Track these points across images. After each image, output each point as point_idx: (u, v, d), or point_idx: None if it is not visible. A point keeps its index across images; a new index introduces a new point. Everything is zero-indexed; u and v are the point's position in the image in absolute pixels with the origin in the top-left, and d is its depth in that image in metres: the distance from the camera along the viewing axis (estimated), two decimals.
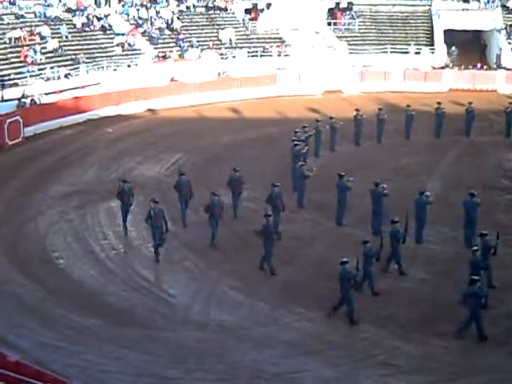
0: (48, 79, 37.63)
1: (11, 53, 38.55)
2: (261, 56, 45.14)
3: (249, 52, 45.20)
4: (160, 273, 20.80)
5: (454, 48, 47.10)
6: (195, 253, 21.93)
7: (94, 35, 42.89)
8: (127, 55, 42.28)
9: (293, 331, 17.53)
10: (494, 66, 46.42)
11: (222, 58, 44.21)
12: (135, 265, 21.17)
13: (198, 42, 44.83)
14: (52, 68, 38.20)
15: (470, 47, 48.56)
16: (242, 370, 15.71)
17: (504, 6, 49.35)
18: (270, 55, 45.39)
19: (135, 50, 42.96)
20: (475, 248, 18.81)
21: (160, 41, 44.34)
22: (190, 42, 44.71)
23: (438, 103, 34.48)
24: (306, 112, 38.20)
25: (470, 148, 32.94)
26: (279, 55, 45.54)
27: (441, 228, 23.32)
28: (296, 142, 27.50)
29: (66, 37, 41.37)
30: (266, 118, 37.59)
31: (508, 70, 45.24)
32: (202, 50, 44.12)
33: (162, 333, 17.36)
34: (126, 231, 23.22)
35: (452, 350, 16.78)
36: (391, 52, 46.76)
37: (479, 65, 46.44)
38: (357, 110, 33.06)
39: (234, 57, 44.70)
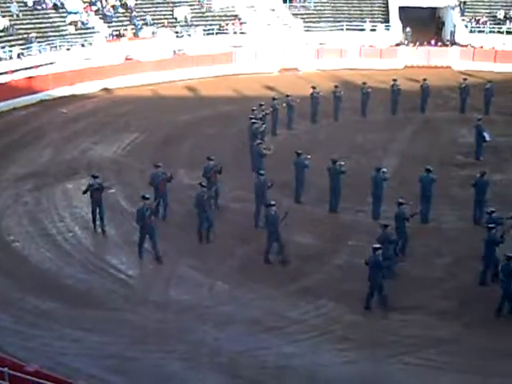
0: (0, 59, 36.90)
1: None
2: (217, 34, 44.89)
3: (204, 30, 44.90)
4: (118, 254, 20.62)
5: (408, 29, 47.26)
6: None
7: (46, 13, 42.07)
8: (81, 34, 41.61)
9: (253, 309, 17.58)
10: (448, 43, 46.82)
11: (178, 37, 43.87)
12: (92, 247, 21.00)
13: (152, 20, 44.35)
14: (3, 48, 37.46)
15: (426, 24, 48.90)
16: (204, 349, 15.72)
17: None
18: (226, 33, 45.15)
19: (89, 28, 42.33)
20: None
21: (114, 19, 43.71)
22: (144, 20, 44.20)
23: (394, 80, 34.66)
24: (262, 90, 38.16)
25: (425, 124, 33.23)
26: (235, 33, 45.33)
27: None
28: (253, 121, 27.44)
29: (17, 15, 40.49)
30: (223, 96, 37.43)
31: (462, 46, 45.67)
32: (156, 28, 43.70)
33: (121, 314, 17.26)
34: (104, 230, 21.97)
35: (410, 324, 17.00)
36: (347, 29, 46.86)
37: (434, 41, 46.79)
38: (313, 87, 33.08)
39: (189, 35, 44.37)
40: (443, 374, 15.04)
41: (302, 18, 47.13)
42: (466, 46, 45.63)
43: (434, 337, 16.36)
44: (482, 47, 44.94)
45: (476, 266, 18.87)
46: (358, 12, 49.01)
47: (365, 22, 47.39)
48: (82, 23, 42.23)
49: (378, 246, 17.38)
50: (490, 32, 45.96)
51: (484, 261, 18.49)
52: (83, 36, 41.42)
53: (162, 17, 45.15)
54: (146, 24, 43.87)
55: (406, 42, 46.76)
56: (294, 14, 47.52)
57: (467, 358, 15.50)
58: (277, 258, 19.75)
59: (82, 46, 40.70)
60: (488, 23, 46.72)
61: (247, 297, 18.13)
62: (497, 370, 14.93)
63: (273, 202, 19.79)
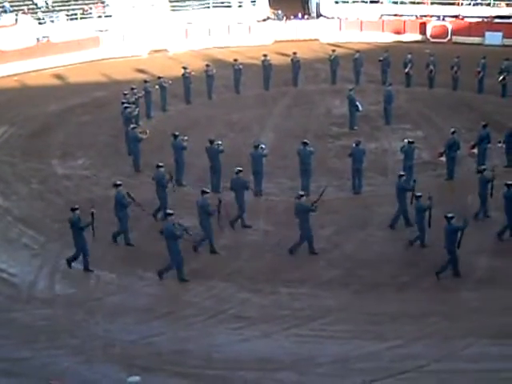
0: None
1: None
2: (81, 18, 43.73)
3: (67, 15, 43.63)
4: None
5: (280, 12, 47.39)
6: (32, 228, 21.20)
7: None
8: None
9: (143, 296, 17.40)
10: (314, 16, 47.45)
11: (40, 23, 42.44)
12: None
13: (11, 6, 42.64)
14: None
15: None
16: (96, 342, 15.41)
17: None
18: (91, 17, 44.07)
19: None
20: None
21: None
22: (2, 7, 42.45)
23: (264, 55, 34.83)
24: (133, 73, 37.55)
25: (298, 98, 33.65)
26: (100, 17, 44.31)
27: (278, 179, 23.77)
28: (126, 105, 26.98)
29: None
30: (93, 82, 36.60)
31: (328, 18, 46.42)
32: (16, 15, 42.09)
33: (7, 314, 16.66)
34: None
35: (299, 296, 17.28)
36: (214, 7, 46.67)
37: (301, 15, 47.33)
38: (184, 67, 32.83)
39: (52, 21, 43.02)
40: (336, 343, 15.35)
41: None
42: (332, 17, 46.38)
43: (323, 307, 16.68)
44: (347, 18, 45.79)
45: (358, 235, 19.32)
46: None
47: None
48: None
49: (450, 215, 17.31)
50: (354, 2, 46.85)
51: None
52: None
53: (22, 3, 43.46)
54: (5, 11, 42.16)
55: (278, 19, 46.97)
56: None
57: (357, 324, 15.89)
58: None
59: None
60: None
61: (136, 285, 17.91)
62: (387, 334, 15.36)
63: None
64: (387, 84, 30.42)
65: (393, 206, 21.00)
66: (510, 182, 18.86)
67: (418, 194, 18.81)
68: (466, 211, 19.46)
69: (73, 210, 18.41)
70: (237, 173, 20.48)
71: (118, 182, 20.11)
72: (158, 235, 19.39)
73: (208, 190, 19.69)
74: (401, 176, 20.22)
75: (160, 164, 21.16)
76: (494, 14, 43.56)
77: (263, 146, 22.77)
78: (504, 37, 41.84)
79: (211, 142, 22.88)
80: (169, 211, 18.04)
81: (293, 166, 22.87)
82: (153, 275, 18.18)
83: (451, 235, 17.27)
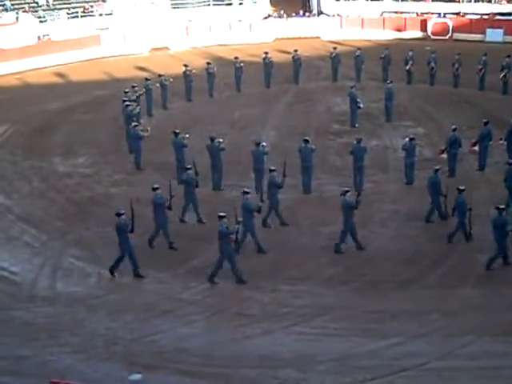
0: None
1: None
2: (81, 17, 43.73)
3: (68, 13, 43.63)
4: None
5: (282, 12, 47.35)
6: (33, 226, 21.18)
7: None
8: None
9: (145, 294, 17.38)
10: (315, 13, 47.44)
11: (41, 21, 42.45)
12: None
13: (12, 5, 42.67)
14: None
15: None
16: (98, 339, 15.38)
17: None
18: (92, 15, 44.07)
19: None
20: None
21: None
22: (3, 5, 42.48)
23: (266, 53, 34.85)
24: (134, 71, 37.61)
25: (299, 95, 33.64)
26: (101, 15, 44.31)
27: (279, 177, 23.64)
28: (127, 103, 26.98)
29: None
30: (94, 81, 36.64)
31: (329, 16, 46.42)
32: (17, 13, 42.08)
33: (8, 312, 16.63)
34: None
35: (300, 294, 17.23)
36: (214, 4, 46.66)
37: (302, 12, 47.31)
38: (185, 65, 32.84)
39: (53, 19, 43.01)
40: (337, 340, 15.32)
41: None
42: (333, 15, 46.38)
43: (324, 304, 16.65)
44: (348, 16, 45.78)
45: (359, 232, 19.31)
46: None
47: None
48: None
49: (501, 206, 17.47)
50: None
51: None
52: None
53: (23, 1, 43.51)
54: (6, 10, 42.20)
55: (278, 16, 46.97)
56: None
57: (358, 322, 15.85)
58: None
59: None
60: None
61: (138, 283, 17.87)
62: (388, 332, 15.34)
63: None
64: (388, 81, 30.39)
65: (394, 202, 21.08)
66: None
67: (462, 187, 18.84)
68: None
69: (118, 214, 17.71)
70: (270, 171, 20.23)
71: (156, 186, 19.38)
72: (160, 234, 19.44)
73: (249, 191, 19.21)
74: (437, 170, 20.21)
75: (188, 166, 20.74)
76: (495, 11, 43.51)
77: (264, 144, 22.76)
78: (505, 34, 41.77)
79: (212, 139, 22.87)
80: (221, 214, 17.39)
81: (294, 164, 22.84)
82: (154, 272, 18.20)
83: (500, 227, 17.34)
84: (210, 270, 17.66)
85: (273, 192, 20.22)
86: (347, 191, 18.72)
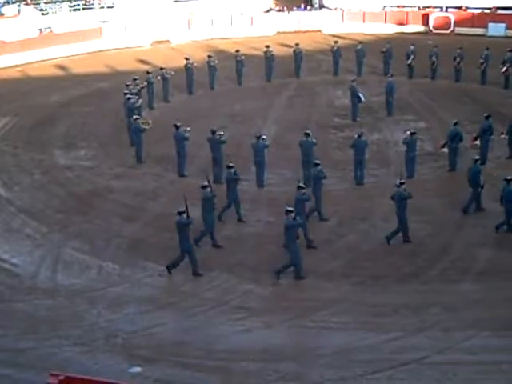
0: None
1: None
2: (83, 9, 43.68)
3: (70, 6, 43.59)
4: (0, 243, 19.90)
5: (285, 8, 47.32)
6: (34, 218, 21.21)
7: None
8: None
9: (145, 287, 17.38)
10: (317, 7, 47.38)
11: (43, 14, 42.42)
12: None
13: None
14: None
15: None
16: (98, 332, 15.42)
17: None
18: (93, 8, 44.01)
19: None
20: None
21: None
22: None
23: (267, 46, 34.82)
24: (135, 64, 37.61)
25: (301, 89, 33.61)
26: (102, 7, 44.28)
27: (280, 170, 23.74)
28: (129, 96, 26.96)
29: None
30: (95, 73, 36.60)
31: (330, 9, 46.35)
32: (19, 6, 42.04)
33: (9, 304, 16.68)
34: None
35: (300, 287, 17.27)
36: None
37: (303, 6, 47.23)
38: (186, 58, 32.81)
39: (54, 12, 42.96)
40: (337, 334, 15.33)
41: None
42: (334, 8, 46.31)
43: (325, 298, 16.66)
44: (349, 9, 45.72)
45: (360, 226, 19.30)
46: None
47: None
48: None
49: None
50: None
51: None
52: None
53: None
54: (8, 2, 42.16)
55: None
56: None
57: (359, 316, 15.85)
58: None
59: None
60: None
61: (138, 275, 17.88)
62: (388, 326, 15.34)
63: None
64: (389, 75, 30.36)
65: None
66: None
67: (510, 177, 18.83)
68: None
69: (180, 213, 17.26)
70: (315, 165, 20.11)
71: (206, 183, 18.93)
72: (161, 226, 19.48)
73: (303, 185, 18.96)
74: (476, 161, 20.20)
75: (230, 164, 20.42)
76: (497, 5, 43.40)
77: (265, 137, 22.75)
78: (507, 28, 41.69)
79: (213, 132, 22.87)
80: (289, 208, 17.21)
81: (295, 158, 22.83)
82: (155, 265, 18.22)
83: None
84: (279, 267, 17.49)
85: (318, 185, 20.12)
86: (402, 183, 18.65)
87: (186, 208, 17.19)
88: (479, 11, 43.58)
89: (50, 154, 26.08)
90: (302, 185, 18.80)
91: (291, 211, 17.09)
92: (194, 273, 17.67)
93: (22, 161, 25.54)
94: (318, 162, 20.27)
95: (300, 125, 26.64)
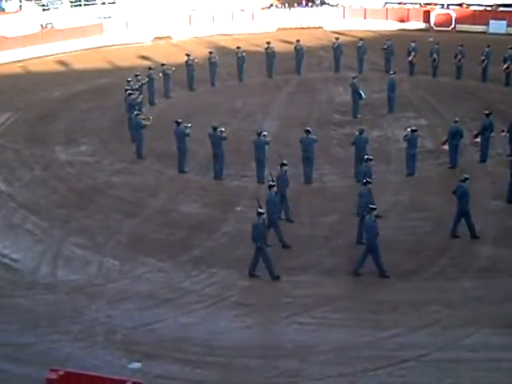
0: None
1: None
2: (84, 5, 43.67)
3: (71, 2, 43.57)
4: (1, 239, 19.88)
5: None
6: (35, 214, 21.18)
7: None
8: None
9: (145, 283, 17.36)
10: (318, 3, 47.35)
11: (44, 10, 42.41)
12: None
13: None
14: None
15: None
16: (98, 328, 15.42)
17: None
18: (95, 4, 44.00)
19: None
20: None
21: None
22: None
23: (268, 43, 34.84)
24: (136, 60, 37.62)
25: (301, 85, 33.59)
26: (104, 3, 44.27)
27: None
28: (130, 92, 26.97)
29: None
30: (97, 69, 36.62)
31: (331, 6, 46.33)
32: (20, 1, 42.03)
33: (9, 300, 16.67)
34: None
35: (301, 284, 17.22)
36: None
37: (304, 2, 47.20)
38: (187, 54, 32.81)
39: (56, 7, 42.95)
40: (337, 331, 15.32)
41: None
42: (335, 5, 46.30)
43: (325, 295, 16.64)
44: (350, 6, 45.69)
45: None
46: None
47: None
48: None
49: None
50: None
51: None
52: None
53: None
54: None
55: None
56: None
57: (359, 312, 15.85)
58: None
59: None
60: None
61: (138, 271, 17.87)
62: (388, 323, 15.34)
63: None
64: (391, 72, 30.34)
65: (396, 193, 21.01)
66: None
67: None
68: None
69: (259, 214, 16.98)
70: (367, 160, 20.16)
71: (272, 183, 18.69)
72: (161, 222, 19.45)
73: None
74: (466, 179, 19.52)
75: (284, 162, 19.95)
76: (498, 3, 43.37)
77: (266, 134, 22.71)
78: (508, 25, 41.75)
79: (214, 128, 22.86)
80: (372, 206, 17.22)
81: (295, 154, 22.81)
82: (154, 261, 18.21)
83: None
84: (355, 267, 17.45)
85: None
86: (467, 178, 18.60)
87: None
88: (480, 9, 43.58)
89: (50, 150, 26.07)
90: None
91: (374, 209, 17.20)
92: (272, 276, 17.34)
93: (23, 156, 25.55)
94: (370, 157, 20.31)
95: (301, 121, 26.65)
